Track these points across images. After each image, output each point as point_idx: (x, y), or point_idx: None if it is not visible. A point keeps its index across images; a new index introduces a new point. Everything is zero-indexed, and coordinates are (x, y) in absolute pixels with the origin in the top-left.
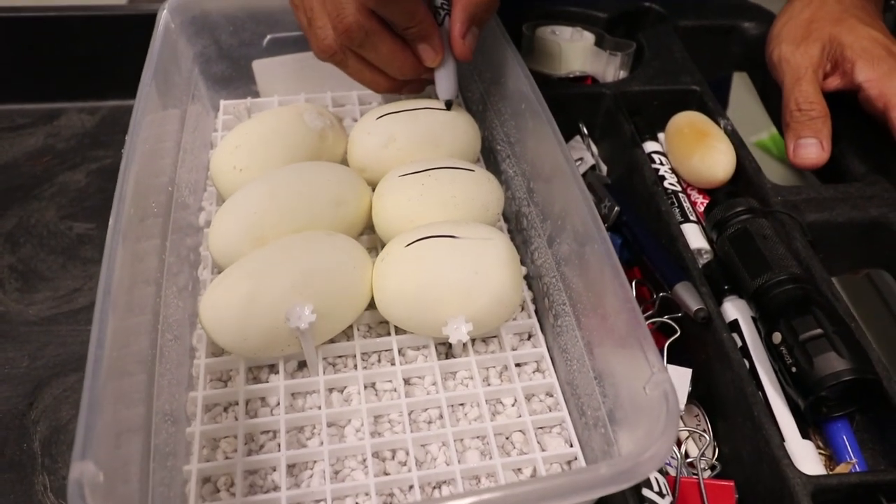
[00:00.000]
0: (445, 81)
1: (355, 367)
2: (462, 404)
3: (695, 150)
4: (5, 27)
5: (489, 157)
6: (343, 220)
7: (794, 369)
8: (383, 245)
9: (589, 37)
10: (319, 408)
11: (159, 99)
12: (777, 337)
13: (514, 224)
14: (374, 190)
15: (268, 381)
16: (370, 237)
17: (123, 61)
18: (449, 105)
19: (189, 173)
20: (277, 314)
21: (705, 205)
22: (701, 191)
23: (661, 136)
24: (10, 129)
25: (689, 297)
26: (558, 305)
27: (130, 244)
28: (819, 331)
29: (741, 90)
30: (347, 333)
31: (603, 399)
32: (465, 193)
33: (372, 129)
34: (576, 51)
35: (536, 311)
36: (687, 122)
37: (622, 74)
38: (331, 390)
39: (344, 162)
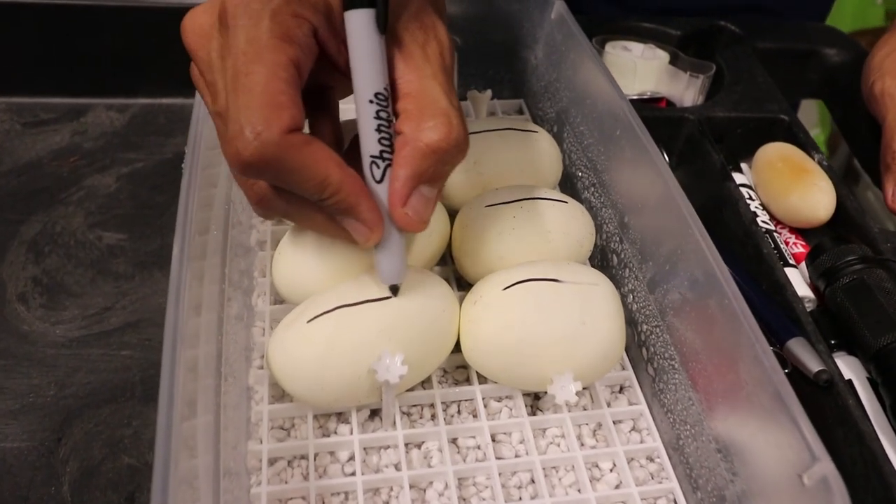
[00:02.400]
0: (388, 261)
1: (433, 417)
2: (555, 468)
3: (793, 187)
4: (32, 15)
5: (566, 185)
6: (422, 252)
7: None
8: (464, 282)
9: (662, 55)
10: (398, 467)
11: None
12: None
13: (600, 261)
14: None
15: (337, 433)
16: (442, 269)
17: (157, 56)
18: (395, 291)
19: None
20: (361, 362)
21: (798, 246)
22: (793, 230)
23: (743, 166)
24: (34, 125)
25: (807, 356)
26: (662, 359)
27: (195, 265)
28: None
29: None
30: (424, 380)
31: (731, 477)
32: (559, 228)
33: None
34: (650, 69)
35: (631, 361)
36: (779, 154)
37: (700, 99)
38: (407, 445)
39: None
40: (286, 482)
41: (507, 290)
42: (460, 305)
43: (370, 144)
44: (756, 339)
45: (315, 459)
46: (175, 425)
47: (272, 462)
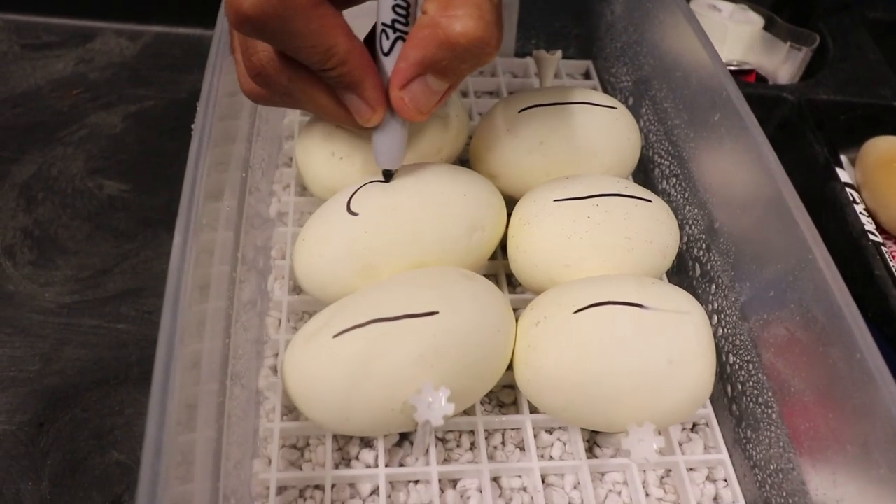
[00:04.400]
0: (386, 144)
1: (472, 447)
2: None
3: None
4: None
5: (639, 173)
6: (474, 251)
7: None
8: (515, 281)
9: (756, 18)
10: None
11: None
12: None
13: (676, 269)
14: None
15: (359, 459)
16: (490, 262)
17: None
18: (388, 176)
19: (264, 146)
20: (396, 393)
21: None
22: None
23: (843, 159)
24: (35, 48)
25: None
26: (753, 403)
27: (203, 239)
28: None
29: None
30: None
31: None
32: (641, 234)
33: (513, 124)
34: (740, 35)
35: (710, 397)
36: (894, 151)
37: (798, 76)
38: (441, 481)
39: (457, 163)
40: None
41: (580, 313)
42: (516, 318)
43: (384, 11)
44: None
45: (332, 491)
46: (166, 444)
47: (280, 491)
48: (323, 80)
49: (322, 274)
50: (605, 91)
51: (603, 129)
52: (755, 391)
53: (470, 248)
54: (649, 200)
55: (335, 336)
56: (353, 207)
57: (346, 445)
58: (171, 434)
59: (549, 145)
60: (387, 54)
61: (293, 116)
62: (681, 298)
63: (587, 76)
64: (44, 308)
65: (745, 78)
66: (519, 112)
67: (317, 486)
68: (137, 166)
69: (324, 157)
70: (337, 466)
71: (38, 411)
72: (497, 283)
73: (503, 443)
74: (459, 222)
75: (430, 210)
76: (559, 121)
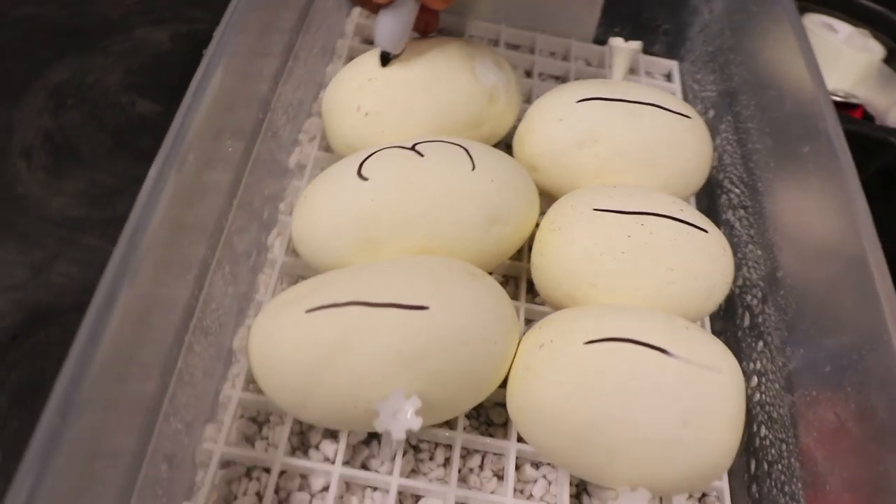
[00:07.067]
0: (389, 25)
1: (446, 463)
2: None
3: None
4: None
5: (703, 196)
6: (491, 246)
7: None
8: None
9: (876, 48)
10: None
11: None
12: None
13: (722, 314)
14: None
15: (319, 449)
16: (511, 263)
17: None
18: (385, 60)
19: (294, 90)
20: (363, 390)
21: None
22: None
23: None
24: None
25: None
26: (777, 490)
27: (189, 173)
28: None
29: None
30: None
31: None
32: (686, 267)
33: (567, 114)
34: (855, 63)
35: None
36: None
37: None
38: (401, 494)
39: (501, 146)
40: (235, 498)
41: (592, 345)
42: (522, 332)
43: None
44: None
45: (280, 478)
46: (83, 391)
47: (226, 465)
48: None
49: (319, 238)
50: (686, 98)
51: (670, 138)
52: (783, 476)
53: (486, 242)
54: (705, 230)
55: (309, 311)
56: (364, 172)
57: (309, 431)
58: (93, 380)
59: (603, 145)
60: None
61: (337, 65)
62: (716, 352)
63: (669, 78)
64: (47, 216)
65: (850, 112)
66: (577, 102)
67: (266, 469)
68: (175, 89)
69: (349, 109)
70: (294, 452)
71: (14, 322)
72: (516, 287)
73: (481, 466)
74: (479, 210)
75: (449, 189)
76: (620, 119)
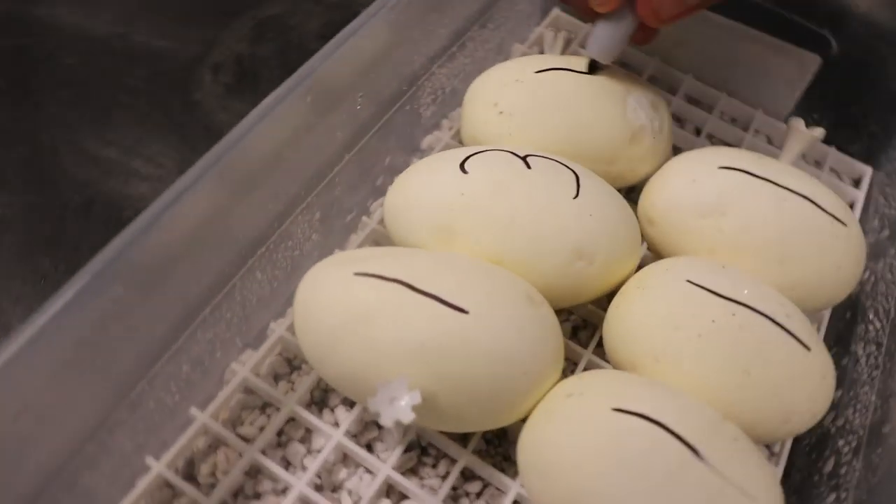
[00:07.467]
0: (604, 35)
1: (445, 476)
2: None
3: None
4: None
5: (836, 320)
6: (567, 282)
7: None
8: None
9: None
10: None
11: None
12: None
13: (805, 448)
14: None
15: (333, 411)
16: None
17: None
18: (593, 68)
19: (450, 77)
20: (374, 371)
21: None
22: None
23: None
24: None
25: None
26: None
27: (301, 112)
28: None
29: None
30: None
31: None
32: (768, 378)
33: (704, 177)
34: None
35: None
36: None
37: None
38: (390, 487)
39: (635, 192)
40: (241, 423)
41: (619, 414)
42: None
43: None
44: None
45: (286, 424)
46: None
47: (246, 391)
48: None
49: (401, 214)
50: (866, 209)
51: (812, 239)
52: None
53: (565, 275)
54: (807, 347)
55: (356, 274)
56: (466, 165)
57: (332, 392)
58: (144, 250)
59: (729, 220)
60: None
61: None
62: (760, 477)
63: (856, 184)
64: (209, 126)
65: None
66: (720, 168)
67: (278, 410)
68: None
69: (487, 103)
70: (310, 406)
71: None
72: (590, 334)
73: (479, 495)
74: (566, 240)
75: (541, 209)
76: (758, 199)
